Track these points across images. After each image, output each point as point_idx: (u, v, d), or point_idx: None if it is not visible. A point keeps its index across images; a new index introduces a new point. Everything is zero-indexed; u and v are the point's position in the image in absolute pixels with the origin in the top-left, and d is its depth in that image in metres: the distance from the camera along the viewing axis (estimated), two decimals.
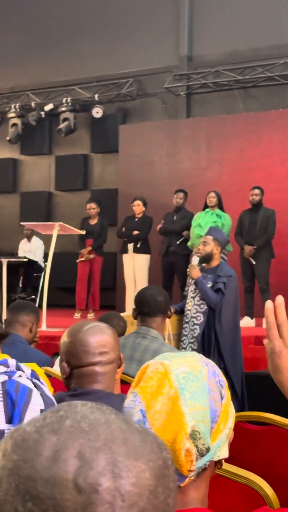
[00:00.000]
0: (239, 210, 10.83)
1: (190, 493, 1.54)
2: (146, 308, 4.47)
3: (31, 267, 13.07)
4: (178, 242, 11.01)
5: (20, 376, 2.32)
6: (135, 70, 14.72)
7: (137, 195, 12.07)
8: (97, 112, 14.56)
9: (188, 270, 6.58)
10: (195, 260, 6.55)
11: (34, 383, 2.33)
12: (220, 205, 10.64)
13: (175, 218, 11.26)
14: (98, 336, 2.65)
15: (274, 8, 13.27)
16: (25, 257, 12.75)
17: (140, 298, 4.54)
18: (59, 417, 0.86)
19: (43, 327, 9.39)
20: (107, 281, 13.37)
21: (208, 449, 1.51)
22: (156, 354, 4.14)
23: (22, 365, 2.37)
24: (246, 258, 10.27)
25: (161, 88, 14.31)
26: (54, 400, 2.35)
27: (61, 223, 10.20)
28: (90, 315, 11.58)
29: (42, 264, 13.06)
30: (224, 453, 1.59)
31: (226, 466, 2.23)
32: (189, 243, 10.65)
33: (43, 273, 12.31)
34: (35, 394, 2.29)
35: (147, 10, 14.62)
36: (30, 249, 13.28)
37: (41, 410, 2.26)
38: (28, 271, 13.19)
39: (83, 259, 11.91)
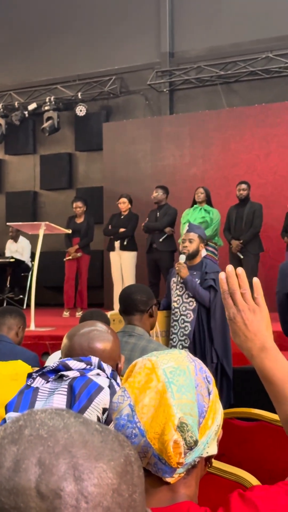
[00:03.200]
0: (224, 205, 10.87)
1: (180, 490, 1.56)
2: (122, 307, 4.57)
3: (19, 267, 13.07)
4: (160, 240, 11.02)
5: (98, 374, 2.34)
6: (117, 67, 14.72)
7: (122, 192, 12.09)
8: (81, 110, 14.53)
9: (176, 268, 6.58)
10: (182, 258, 6.56)
11: (111, 383, 2.35)
12: (208, 201, 10.69)
13: (158, 215, 11.28)
14: (88, 343, 2.62)
15: (255, 3, 13.30)
16: (12, 257, 12.74)
17: (120, 296, 4.63)
18: (19, 427, 0.86)
19: (32, 326, 9.38)
20: (94, 279, 13.37)
21: (196, 442, 1.53)
22: (144, 351, 4.18)
23: (104, 365, 2.39)
24: (234, 253, 10.31)
25: (144, 85, 14.32)
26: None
27: (47, 222, 10.19)
28: (79, 314, 11.59)
29: (30, 264, 13.06)
30: (213, 449, 1.60)
31: (215, 463, 2.26)
32: (180, 240, 10.68)
33: (30, 273, 12.32)
34: (104, 392, 2.30)
35: (128, 8, 14.61)
36: (17, 249, 13.27)
37: (104, 409, 2.28)
38: (15, 271, 13.18)
39: (70, 257, 11.91)
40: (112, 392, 2.31)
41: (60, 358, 2.80)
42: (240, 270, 1.84)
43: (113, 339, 2.70)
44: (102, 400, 2.28)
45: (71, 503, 0.80)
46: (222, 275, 1.84)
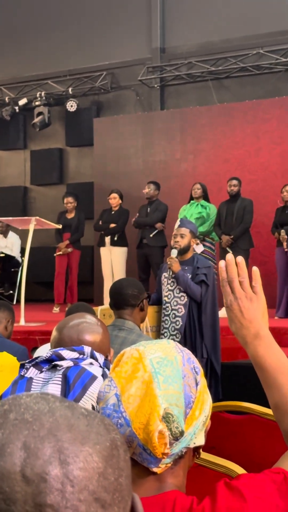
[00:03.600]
0: (214, 201, 10.87)
1: (167, 480, 1.56)
2: (112, 301, 4.56)
3: (9, 262, 13.03)
4: (151, 235, 11.03)
5: (91, 363, 2.34)
6: (108, 63, 14.70)
7: (112, 188, 12.09)
8: (71, 105, 14.51)
9: (168, 263, 6.59)
10: (174, 252, 6.58)
11: (104, 372, 2.35)
12: (205, 196, 10.73)
13: (148, 210, 11.29)
14: (76, 336, 2.61)
15: None
16: (1, 252, 12.71)
17: (110, 291, 4.63)
18: (3, 412, 0.85)
19: (22, 322, 9.37)
20: (85, 274, 13.36)
21: (182, 433, 1.53)
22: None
23: (97, 354, 2.39)
24: (224, 248, 10.32)
25: (135, 80, 14.30)
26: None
27: (37, 217, 10.18)
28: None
29: (20, 259, 13.03)
30: (200, 440, 1.60)
31: (205, 455, 2.26)
32: None
33: (20, 268, 12.29)
34: (98, 381, 2.30)
35: (119, 3, 14.59)
36: (7, 245, 13.23)
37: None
38: (5, 266, 13.14)
39: (60, 253, 11.90)
40: None
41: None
42: (240, 258, 1.86)
43: (103, 331, 2.68)
44: (96, 389, 2.27)
45: (56, 486, 0.79)
46: (221, 263, 1.87)
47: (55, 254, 12.03)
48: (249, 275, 1.87)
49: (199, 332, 6.46)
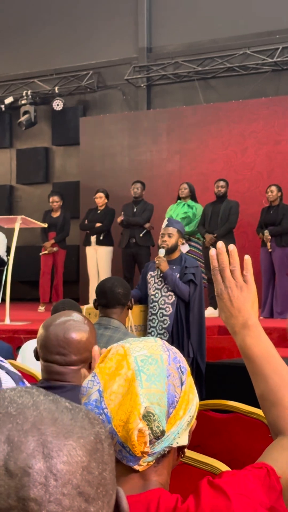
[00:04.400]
0: (200, 201, 10.88)
1: (151, 478, 1.55)
2: (104, 300, 4.54)
3: None
4: (141, 235, 11.05)
5: None
6: (94, 62, 14.69)
7: (98, 187, 12.08)
8: (58, 104, 14.50)
9: (156, 262, 6.61)
10: (161, 252, 6.60)
11: None
12: (192, 196, 10.74)
13: (135, 210, 11.29)
14: (63, 333, 2.61)
15: None
16: None
17: (100, 290, 4.60)
18: None
19: (7, 320, 9.36)
20: (70, 273, 13.34)
21: (163, 432, 1.52)
22: None
23: None
24: (207, 247, 10.33)
25: (121, 80, 14.29)
26: (21, 375, 2.34)
27: (23, 216, 10.15)
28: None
29: (5, 258, 12.98)
30: (184, 440, 1.59)
31: (190, 453, 2.26)
32: None
33: (6, 267, 12.25)
34: (2, 374, 2.28)
35: (106, 2, 14.58)
36: None
37: None
38: None
39: (46, 252, 11.88)
40: (6, 370, 2.30)
41: (35, 348, 2.79)
42: (232, 247, 1.86)
43: (89, 329, 2.69)
44: (6, 380, 2.26)
45: (39, 480, 0.78)
46: (212, 251, 1.86)
47: (40, 253, 12.01)
48: (241, 264, 1.87)
49: (186, 331, 6.48)
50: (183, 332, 6.49)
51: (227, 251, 1.87)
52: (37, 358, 2.76)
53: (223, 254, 1.85)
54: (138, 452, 1.51)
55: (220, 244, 1.86)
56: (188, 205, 10.58)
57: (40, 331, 2.68)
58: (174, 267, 6.55)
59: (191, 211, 10.51)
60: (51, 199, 12.25)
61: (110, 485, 0.85)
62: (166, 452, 1.57)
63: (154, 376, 1.55)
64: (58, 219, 12.04)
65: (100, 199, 11.70)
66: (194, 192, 10.78)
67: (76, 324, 2.66)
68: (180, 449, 1.62)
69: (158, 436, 1.52)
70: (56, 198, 12.18)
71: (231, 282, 1.85)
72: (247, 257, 1.88)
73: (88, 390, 1.58)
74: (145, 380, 1.53)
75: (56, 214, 12.14)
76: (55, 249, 11.87)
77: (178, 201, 10.76)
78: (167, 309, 6.52)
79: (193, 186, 10.81)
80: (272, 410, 1.75)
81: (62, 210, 12.18)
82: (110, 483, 0.85)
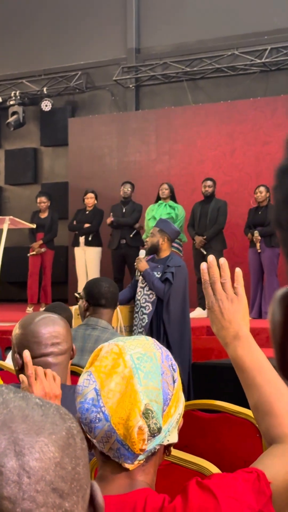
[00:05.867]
0: (189, 202, 10.89)
1: (138, 477, 1.56)
2: (102, 300, 4.51)
3: None
4: (131, 235, 11.07)
5: None
6: (83, 63, 14.68)
7: (87, 188, 12.09)
8: (46, 105, 14.47)
9: (135, 263, 6.67)
10: (141, 253, 6.68)
11: None
12: (173, 197, 10.71)
13: (124, 211, 11.30)
14: (50, 327, 2.66)
15: (221, 0, 13.34)
16: None
17: (98, 290, 4.54)
18: None
19: None
20: (58, 274, 13.33)
21: (159, 430, 1.53)
22: None
23: None
24: (197, 249, 10.34)
25: (110, 80, 14.29)
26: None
27: (11, 217, 10.13)
28: (42, 309, 11.53)
29: None
30: (173, 438, 1.61)
31: (177, 453, 2.25)
32: (144, 236, 10.68)
33: None
34: None
35: (95, 3, 14.57)
36: None
37: None
38: None
39: (34, 253, 11.87)
40: None
41: (11, 352, 2.78)
42: (223, 260, 1.89)
43: (64, 324, 2.76)
44: None
45: (12, 478, 0.78)
46: (203, 265, 1.88)
47: (28, 254, 11.99)
48: (232, 276, 1.88)
49: (163, 331, 6.50)
50: (160, 331, 6.50)
51: (218, 262, 1.89)
52: (16, 364, 2.70)
53: (214, 267, 1.87)
54: (137, 449, 1.52)
55: (211, 257, 1.88)
56: (170, 206, 10.53)
57: (17, 331, 2.69)
58: (159, 266, 6.58)
59: (174, 212, 10.45)
60: (38, 200, 12.25)
61: (84, 480, 0.85)
62: (155, 450, 1.57)
63: (150, 373, 1.57)
64: (46, 220, 12.03)
65: (91, 200, 11.71)
66: (174, 192, 10.74)
67: (55, 317, 2.75)
68: (167, 447, 1.63)
69: (154, 433, 1.53)
70: (43, 198, 12.17)
71: (221, 294, 1.87)
72: (238, 270, 1.90)
73: (84, 389, 1.58)
74: (143, 378, 1.55)
75: (44, 215, 12.13)
76: (43, 250, 11.85)
77: (159, 201, 10.72)
78: (147, 307, 6.57)
79: (173, 186, 10.77)
80: (265, 419, 1.75)
81: (49, 210, 12.17)
82: (84, 477, 0.85)
